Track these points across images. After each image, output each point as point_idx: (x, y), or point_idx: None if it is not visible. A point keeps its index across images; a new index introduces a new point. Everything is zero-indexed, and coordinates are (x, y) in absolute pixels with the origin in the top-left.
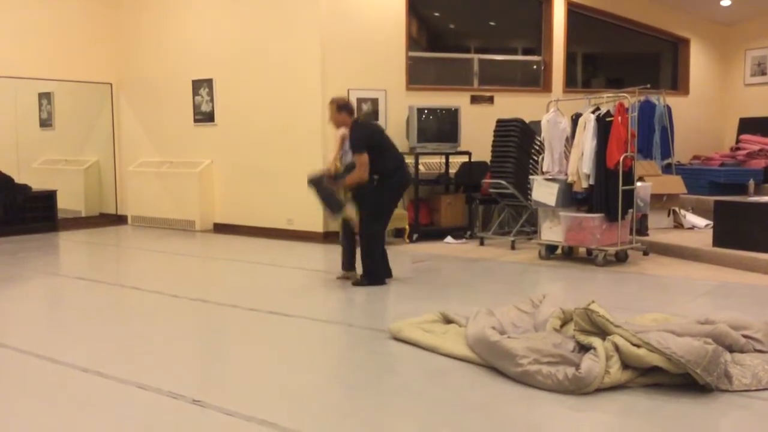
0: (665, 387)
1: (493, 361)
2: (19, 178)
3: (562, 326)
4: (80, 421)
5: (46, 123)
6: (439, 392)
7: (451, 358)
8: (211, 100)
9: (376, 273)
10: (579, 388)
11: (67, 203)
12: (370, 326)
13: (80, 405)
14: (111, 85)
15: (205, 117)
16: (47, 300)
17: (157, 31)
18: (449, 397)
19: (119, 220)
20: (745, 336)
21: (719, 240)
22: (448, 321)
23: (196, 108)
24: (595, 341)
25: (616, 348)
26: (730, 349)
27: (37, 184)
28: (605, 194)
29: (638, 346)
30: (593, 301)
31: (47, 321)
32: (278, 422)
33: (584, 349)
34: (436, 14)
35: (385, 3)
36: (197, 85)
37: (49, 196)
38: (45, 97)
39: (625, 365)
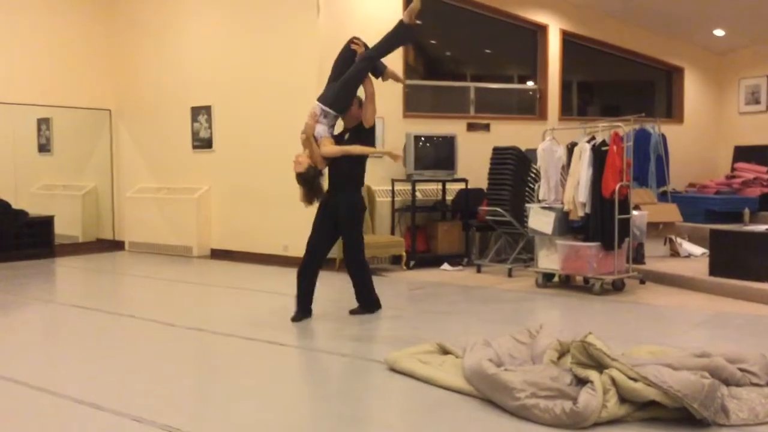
0: (662, 421)
1: (490, 394)
2: (17, 204)
3: (559, 358)
4: None
5: (44, 148)
6: (436, 425)
7: (448, 390)
8: (210, 127)
9: (376, 297)
10: (576, 423)
11: (65, 229)
12: (366, 356)
13: None
14: (110, 111)
15: (203, 143)
16: (42, 328)
17: (156, 58)
18: (446, 430)
19: (116, 245)
20: (741, 369)
21: (715, 269)
22: (445, 352)
23: (195, 134)
24: (593, 375)
25: (613, 382)
26: (727, 383)
27: (34, 209)
28: (601, 223)
29: (635, 380)
30: (590, 333)
31: (42, 350)
32: None
33: (581, 382)
34: (433, 42)
35: (382, 31)
36: (196, 111)
37: (47, 222)
38: (44, 123)
39: (623, 399)
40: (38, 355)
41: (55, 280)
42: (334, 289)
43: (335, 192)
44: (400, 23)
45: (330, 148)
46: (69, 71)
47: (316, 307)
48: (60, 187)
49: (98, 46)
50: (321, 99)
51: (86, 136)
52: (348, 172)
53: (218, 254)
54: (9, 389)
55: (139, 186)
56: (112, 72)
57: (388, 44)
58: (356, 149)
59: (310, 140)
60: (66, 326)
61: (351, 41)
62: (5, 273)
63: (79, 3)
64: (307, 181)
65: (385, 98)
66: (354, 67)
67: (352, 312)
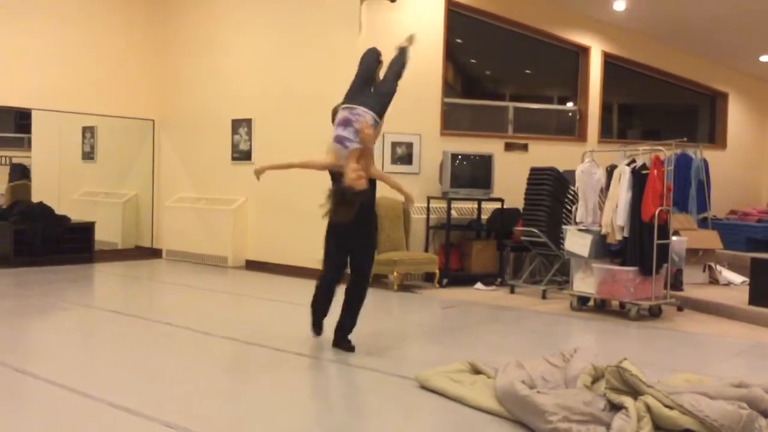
0: None
1: (521, 416)
2: (60, 209)
3: (593, 383)
4: None
5: (88, 156)
6: None
7: (479, 410)
8: (249, 140)
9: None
10: None
11: (105, 235)
12: (397, 373)
13: None
14: (153, 121)
15: (242, 155)
16: (80, 332)
17: (200, 70)
18: None
19: (154, 253)
20: None
21: (755, 298)
22: (476, 371)
23: (234, 146)
24: (627, 401)
25: (648, 408)
26: (765, 415)
27: (76, 215)
28: (640, 247)
29: (671, 408)
30: (625, 359)
31: (78, 353)
32: None
33: (615, 408)
34: (473, 61)
35: (423, 49)
36: (236, 124)
37: (87, 228)
38: (89, 131)
39: (657, 427)
40: (74, 358)
41: (94, 285)
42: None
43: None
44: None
45: (377, 169)
46: (115, 81)
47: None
48: (102, 194)
49: (144, 57)
50: (366, 107)
51: (129, 145)
52: (371, 194)
53: (253, 265)
54: (44, 390)
55: (178, 195)
56: (156, 83)
57: (401, 62)
58: (390, 179)
59: (367, 153)
60: (103, 331)
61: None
62: (47, 276)
63: (127, 15)
64: (360, 198)
65: (423, 116)
66: (393, 83)
67: (344, 347)
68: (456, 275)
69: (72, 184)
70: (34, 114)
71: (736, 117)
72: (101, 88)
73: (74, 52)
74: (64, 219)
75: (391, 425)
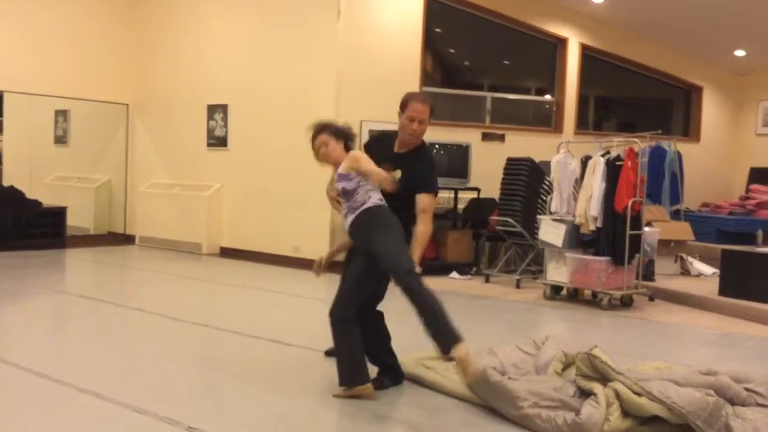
0: None
1: (492, 401)
2: (31, 194)
3: (563, 370)
4: None
5: (61, 140)
6: (437, 431)
7: (451, 396)
8: (225, 126)
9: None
10: None
11: (77, 220)
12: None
13: (77, 426)
14: (127, 106)
15: (218, 141)
16: (50, 317)
17: (175, 55)
18: None
19: (127, 239)
20: (747, 389)
21: (725, 289)
22: (449, 358)
23: (210, 132)
24: (596, 387)
25: (617, 395)
26: (732, 402)
27: (48, 200)
28: (612, 238)
29: (639, 395)
30: (596, 346)
31: (49, 339)
32: None
33: (585, 394)
34: (452, 51)
35: (401, 38)
36: (212, 109)
37: (59, 213)
38: (61, 115)
39: (626, 413)
40: (44, 343)
41: (66, 270)
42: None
43: None
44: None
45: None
46: (88, 64)
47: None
48: (74, 179)
49: (118, 40)
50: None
51: (102, 130)
52: None
53: (228, 252)
54: (12, 374)
55: (152, 181)
56: (130, 67)
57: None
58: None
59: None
60: (73, 316)
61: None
62: (17, 261)
63: None
64: None
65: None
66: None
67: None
68: (431, 264)
69: (44, 168)
70: (5, 97)
71: (711, 111)
72: (74, 72)
73: (47, 34)
74: (35, 203)
75: (364, 410)
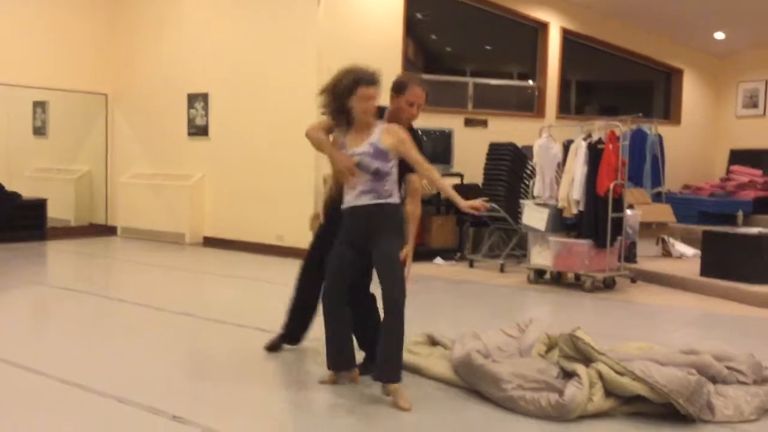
0: (647, 416)
1: (477, 384)
2: (10, 186)
3: (547, 352)
4: None
5: (39, 131)
6: (422, 415)
7: (436, 380)
8: (206, 115)
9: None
10: (562, 415)
11: (57, 212)
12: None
13: (59, 417)
14: (106, 96)
15: (199, 131)
16: (32, 310)
17: (154, 43)
18: (432, 419)
19: (109, 230)
20: (728, 367)
21: (706, 270)
22: (434, 343)
23: (191, 121)
24: (579, 368)
25: (600, 375)
26: (714, 380)
27: (27, 192)
28: (594, 221)
29: (622, 374)
30: (579, 328)
31: (30, 331)
32: None
33: (568, 375)
34: (433, 37)
35: (382, 24)
36: (192, 98)
37: (39, 205)
38: (39, 106)
39: (609, 393)
40: (26, 335)
41: (47, 263)
42: None
43: None
44: None
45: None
46: (66, 55)
47: None
48: (54, 170)
49: (96, 30)
50: None
51: (82, 120)
52: None
53: (211, 242)
54: None
55: (133, 171)
56: (109, 56)
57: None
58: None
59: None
60: (56, 309)
61: None
62: None
63: None
64: None
65: (383, 91)
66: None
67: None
68: (417, 250)
69: (23, 160)
70: None
71: (691, 93)
72: (52, 62)
73: (24, 23)
74: (15, 196)
75: (349, 396)
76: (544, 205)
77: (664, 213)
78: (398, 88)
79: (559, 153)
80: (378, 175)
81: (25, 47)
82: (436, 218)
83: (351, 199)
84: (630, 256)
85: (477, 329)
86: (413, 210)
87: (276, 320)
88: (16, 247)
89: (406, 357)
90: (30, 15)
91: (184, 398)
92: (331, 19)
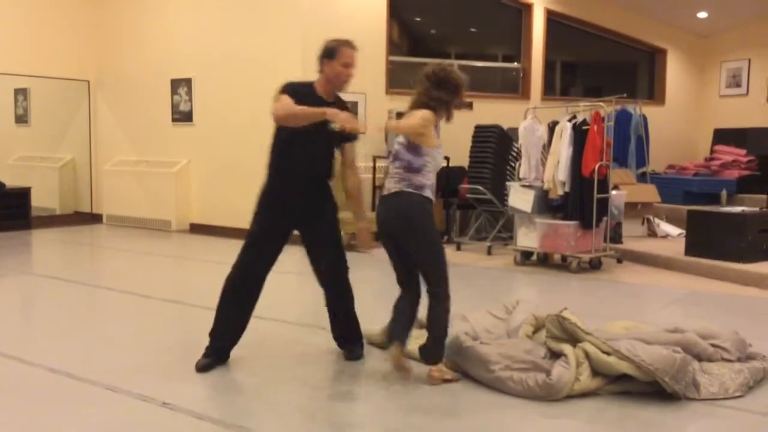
0: (634, 395)
1: (465, 366)
2: None
3: (534, 333)
4: (47, 423)
5: (21, 119)
6: (411, 397)
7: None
8: (190, 100)
9: None
10: (549, 395)
11: (42, 201)
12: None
13: (48, 406)
14: (88, 82)
15: (183, 116)
16: (18, 299)
17: (137, 29)
18: (420, 401)
19: (94, 218)
20: (713, 345)
21: (691, 249)
22: (421, 326)
23: (175, 107)
24: (566, 348)
25: (587, 355)
26: (699, 358)
27: (11, 181)
28: (580, 202)
29: (608, 354)
30: (565, 308)
31: (17, 320)
32: (245, 424)
33: (555, 355)
34: (418, 19)
35: (366, 7)
36: (176, 84)
37: (23, 194)
38: (21, 93)
39: (595, 372)
40: (13, 324)
41: (32, 252)
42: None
43: None
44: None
45: None
46: (48, 41)
47: (290, 281)
48: (37, 158)
49: (78, 15)
50: None
51: (64, 108)
52: None
53: (197, 228)
54: None
55: (117, 159)
56: (91, 42)
57: None
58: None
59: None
60: (42, 297)
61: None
62: None
63: None
64: None
65: (368, 74)
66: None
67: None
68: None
69: (5, 148)
70: None
71: (675, 73)
72: (33, 48)
73: (4, 9)
74: None
75: (338, 379)
76: (530, 186)
77: (649, 193)
78: (330, 53)
79: (545, 135)
80: (408, 168)
81: (5, 33)
82: None
83: (390, 188)
84: (616, 236)
85: (465, 311)
86: (358, 181)
87: (262, 306)
88: (1, 237)
89: None
90: (8, 2)
91: (173, 385)
92: (315, 2)
